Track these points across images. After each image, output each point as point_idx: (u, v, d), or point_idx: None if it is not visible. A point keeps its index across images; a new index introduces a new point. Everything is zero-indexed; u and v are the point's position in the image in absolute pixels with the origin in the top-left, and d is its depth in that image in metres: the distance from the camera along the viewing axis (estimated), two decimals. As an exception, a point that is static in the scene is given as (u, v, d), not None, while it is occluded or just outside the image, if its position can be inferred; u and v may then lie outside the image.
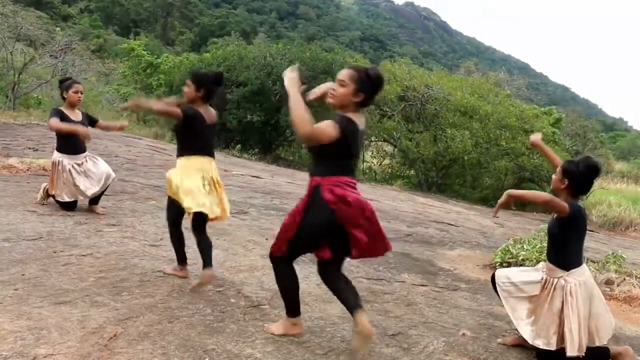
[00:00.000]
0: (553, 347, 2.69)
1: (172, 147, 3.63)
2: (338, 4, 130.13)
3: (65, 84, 4.82)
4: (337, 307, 3.28)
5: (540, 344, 2.72)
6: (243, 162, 12.41)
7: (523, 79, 32.57)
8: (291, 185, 9.18)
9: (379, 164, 16.94)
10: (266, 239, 4.71)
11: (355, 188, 2.61)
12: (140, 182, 6.83)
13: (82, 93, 4.83)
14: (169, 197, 3.45)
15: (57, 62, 17.38)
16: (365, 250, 2.64)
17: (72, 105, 4.79)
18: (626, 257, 5.37)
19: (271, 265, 2.74)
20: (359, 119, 2.59)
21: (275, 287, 2.85)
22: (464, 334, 3.16)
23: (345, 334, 2.92)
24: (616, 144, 41.46)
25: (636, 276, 4.82)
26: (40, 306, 2.78)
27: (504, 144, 13.74)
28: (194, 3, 78.32)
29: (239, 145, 14.72)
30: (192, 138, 3.39)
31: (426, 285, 4.13)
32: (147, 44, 30.43)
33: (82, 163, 4.82)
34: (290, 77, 2.56)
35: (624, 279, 4.74)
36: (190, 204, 3.24)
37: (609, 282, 4.63)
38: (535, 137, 3.47)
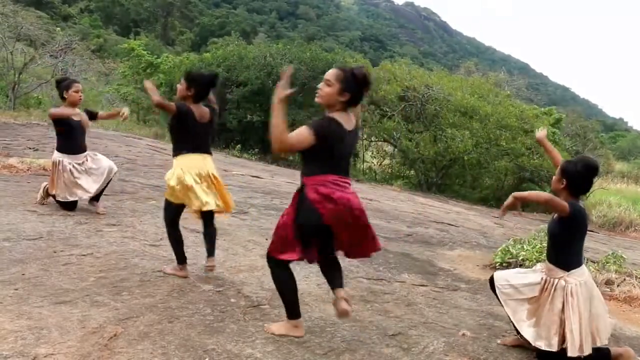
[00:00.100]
0: (555, 348, 2.68)
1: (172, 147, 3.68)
2: (338, 4, 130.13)
3: (64, 83, 4.82)
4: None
5: (542, 345, 2.71)
6: (243, 162, 12.42)
7: (523, 79, 32.54)
8: (291, 185, 9.18)
9: (379, 164, 16.93)
10: (266, 239, 4.71)
11: (345, 187, 2.63)
12: (140, 182, 6.83)
13: (82, 92, 4.85)
14: (167, 198, 3.48)
15: (57, 62, 17.39)
16: (351, 252, 2.74)
17: (73, 105, 4.79)
18: (626, 257, 5.36)
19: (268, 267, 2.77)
20: (346, 118, 2.62)
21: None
22: (464, 334, 3.16)
23: (345, 334, 2.92)
24: (616, 144, 41.42)
25: (636, 276, 4.82)
26: (40, 306, 2.78)
27: (504, 144, 13.74)
28: (194, 3, 78.30)
29: (239, 145, 14.72)
30: (186, 136, 3.47)
31: (426, 286, 4.14)
32: (147, 44, 30.38)
33: (83, 162, 4.82)
34: (280, 91, 2.54)
35: (624, 279, 4.74)
36: (198, 206, 3.44)
37: (609, 283, 4.64)
38: (541, 133, 3.47)
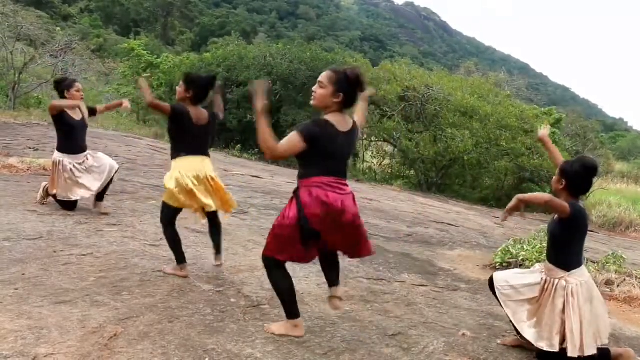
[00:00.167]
0: (556, 349, 2.68)
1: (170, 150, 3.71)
2: (338, 4, 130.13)
3: (65, 83, 4.82)
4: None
5: (544, 346, 2.70)
6: (243, 162, 12.42)
7: (523, 79, 32.54)
8: (291, 185, 9.18)
9: (379, 164, 16.92)
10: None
11: (341, 189, 2.64)
12: (141, 181, 6.83)
13: (82, 92, 4.86)
14: (165, 202, 3.52)
15: (57, 61, 17.38)
16: (348, 252, 2.79)
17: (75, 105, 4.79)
18: (626, 257, 5.37)
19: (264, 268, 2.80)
20: (341, 120, 2.64)
21: (275, 287, 2.86)
22: (464, 334, 3.16)
23: (345, 334, 2.92)
24: (616, 145, 41.39)
25: (636, 277, 4.82)
26: (40, 306, 2.78)
27: (504, 144, 13.73)
28: (194, 3, 78.31)
29: (239, 145, 14.72)
30: (183, 138, 3.50)
31: (426, 286, 4.14)
32: (147, 44, 30.37)
33: (84, 162, 4.82)
34: (258, 101, 2.56)
35: (624, 280, 4.74)
36: (200, 208, 3.52)
37: (609, 283, 4.64)
38: (544, 131, 3.48)
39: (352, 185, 2.77)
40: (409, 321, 3.27)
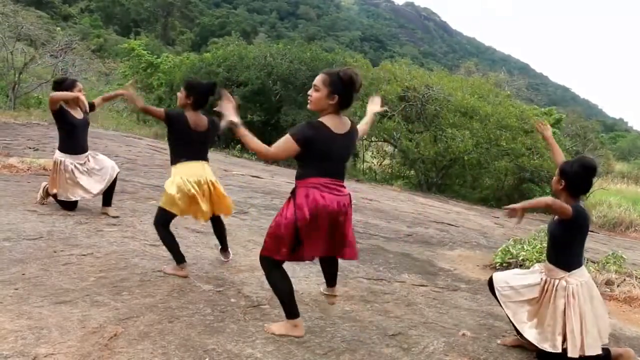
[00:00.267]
0: (560, 350, 2.67)
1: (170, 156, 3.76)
2: (338, 4, 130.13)
3: (66, 83, 4.80)
4: (337, 307, 3.29)
5: (547, 347, 2.70)
6: (243, 162, 12.42)
7: (523, 79, 32.53)
8: (291, 185, 9.15)
9: (379, 164, 16.93)
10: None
11: (338, 190, 2.67)
12: (141, 181, 6.83)
13: (84, 92, 4.85)
14: (161, 206, 3.54)
15: (57, 61, 17.38)
16: (336, 252, 2.81)
17: (77, 104, 4.77)
18: (626, 257, 5.37)
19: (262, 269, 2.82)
20: (338, 122, 2.66)
21: (276, 287, 2.87)
22: (464, 335, 3.16)
23: (345, 334, 2.92)
24: (616, 145, 41.38)
25: (636, 277, 4.82)
26: (40, 306, 2.78)
27: (504, 144, 13.72)
28: (195, 3, 78.29)
29: (239, 145, 14.70)
30: (182, 144, 3.54)
31: (426, 286, 4.14)
32: (147, 44, 30.39)
33: (85, 162, 4.82)
34: (243, 133, 2.67)
35: (624, 280, 4.74)
36: (205, 216, 3.62)
37: (609, 283, 4.63)
38: (548, 132, 3.49)
39: (352, 185, 2.79)
40: (409, 321, 3.27)
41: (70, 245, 3.86)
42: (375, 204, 8.52)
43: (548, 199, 2.72)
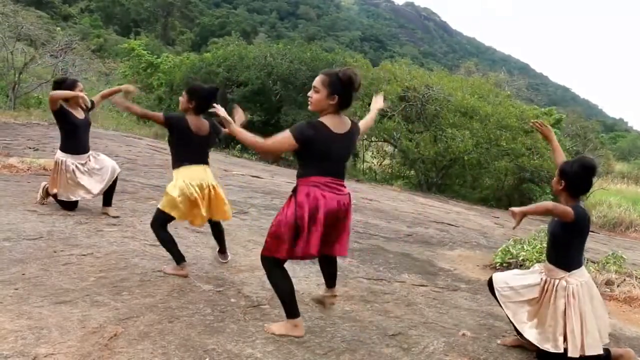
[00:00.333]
0: (561, 350, 2.67)
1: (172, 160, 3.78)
2: (338, 4, 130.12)
3: (67, 83, 4.79)
4: (337, 307, 3.29)
5: (550, 347, 2.70)
6: (243, 162, 12.42)
7: (523, 79, 32.52)
8: (291, 185, 9.16)
9: (379, 164, 16.93)
10: (266, 239, 4.71)
11: (338, 189, 2.70)
12: (141, 181, 6.83)
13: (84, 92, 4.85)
14: (161, 209, 3.54)
15: (57, 61, 17.38)
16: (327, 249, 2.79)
17: (78, 105, 4.77)
18: (626, 257, 5.37)
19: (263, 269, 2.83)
20: (338, 122, 2.69)
21: (276, 286, 2.87)
22: (464, 335, 3.16)
23: (345, 334, 2.92)
24: (616, 145, 41.36)
25: (636, 277, 4.83)
26: (40, 306, 2.78)
27: (504, 144, 13.73)
28: (195, 3, 78.27)
29: (239, 145, 14.71)
30: (184, 148, 3.57)
31: (426, 286, 4.14)
32: (147, 44, 30.38)
33: (86, 162, 4.82)
34: (237, 130, 2.77)
35: (624, 280, 4.74)
36: (203, 221, 3.66)
37: (609, 283, 4.64)
38: (551, 134, 3.50)
39: (352, 185, 2.80)
40: (409, 321, 3.27)
41: (70, 245, 3.86)
42: (375, 204, 8.52)
43: (549, 204, 2.71)
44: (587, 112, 53.70)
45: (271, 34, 71.44)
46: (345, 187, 2.77)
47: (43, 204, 4.89)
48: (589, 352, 2.64)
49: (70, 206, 4.80)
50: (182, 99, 3.59)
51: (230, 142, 15.00)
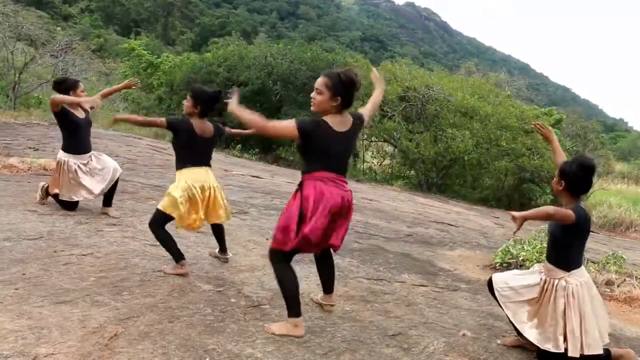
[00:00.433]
0: (562, 350, 2.67)
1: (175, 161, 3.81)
2: (338, 4, 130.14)
3: (68, 83, 4.79)
4: (337, 307, 3.29)
5: (550, 347, 2.70)
6: (243, 162, 12.42)
7: (523, 79, 32.56)
8: (291, 185, 9.18)
9: (379, 164, 16.94)
10: (267, 239, 4.71)
11: (342, 185, 2.77)
12: (141, 181, 6.83)
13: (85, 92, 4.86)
14: (161, 210, 3.55)
15: (57, 61, 17.40)
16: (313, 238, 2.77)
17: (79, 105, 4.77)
18: (626, 257, 5.37)
19: (270, 265, 2.85)
20: (340, 121, 2.76)
21: (276, 286, 2.88)
22: (464, 335, 3.16)
23: (345, 334, 2.92)
24: (617, 145, 41.36)
25: (636, 277, 4.83)
26: (40, 305, 2.78)
27: (505, 144, 13.73)
28: (195, 3, 78.31)
29: (239, 145, 14.71)
30: (187, 150, 3.61)
31: (426, 286, 4.13)
32: (147, 44, 30.43)
33: (88, 162, 4.82)
34: (235, 108, 2.82)
35: (624, 280, 4.74)
36: (201, 223, 3.68)
37: (609, 283, 4.64)
38: (552, 135, 3.51)
39: (352, 185, 2.83)
40: (409, 321, 3.27)
41: (70, 245, 3.86)
42: (375, 204, 8.52)
43: (550, 209, 2.71)
44: (588, 112, 53.69)
45: (271, 34, 71.50)
46: (347, 183, 2.83)
47: (43, 203, 4.89)
48: (589, 352, 2.64)
49: (70, 206, 4.80)
50: (187, 103, 3.62)
51: (230, 142, 15.00)
